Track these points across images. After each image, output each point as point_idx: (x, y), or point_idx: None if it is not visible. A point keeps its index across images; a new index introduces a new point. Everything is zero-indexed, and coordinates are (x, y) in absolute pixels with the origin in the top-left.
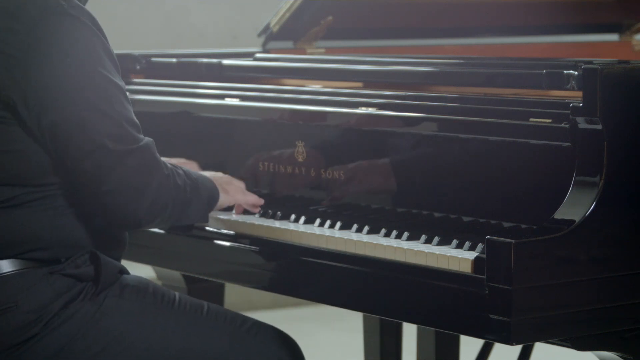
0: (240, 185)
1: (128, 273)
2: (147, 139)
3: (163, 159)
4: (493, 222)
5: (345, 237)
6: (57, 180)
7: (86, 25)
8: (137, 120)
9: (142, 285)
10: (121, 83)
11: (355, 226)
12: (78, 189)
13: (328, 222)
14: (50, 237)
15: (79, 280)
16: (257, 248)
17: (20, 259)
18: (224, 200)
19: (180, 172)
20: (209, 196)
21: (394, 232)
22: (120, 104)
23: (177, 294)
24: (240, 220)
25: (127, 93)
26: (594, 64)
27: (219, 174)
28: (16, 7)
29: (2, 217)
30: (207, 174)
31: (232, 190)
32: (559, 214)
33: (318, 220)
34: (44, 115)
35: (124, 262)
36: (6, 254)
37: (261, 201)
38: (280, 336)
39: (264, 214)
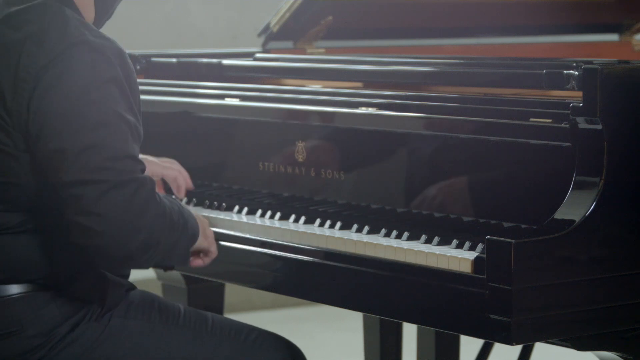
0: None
1: (135, 288)
2: (147, 176)
3: (157, 159)
4: (493, 222)
5: (345, 237)
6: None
7: (105, 56)
8: (139, 159)
9: (147, 303)
10: (132, 118)
11: (355, 226)
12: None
13: (328, 222)
14: (57, 261)
15: (85, 302)
16: (257, 248)
17: (27, 282)
18: (200, 243)
19: (176, 208)
20: (192, 235)
21: (394, 232)
22: (125, 140)
23: (181, 307)
24: (240, 220)
25: None
26: (594, 64)
27: (167, 161)
28: (41, 32)
29: (11, 243)
30: (152, 159)
31: (210, 234)
32: (559, 214)
33: (318, 220)
34: (49, 141)
35: None
36: (13, 278)
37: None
38: (284, 345)
39: (263, 215)
